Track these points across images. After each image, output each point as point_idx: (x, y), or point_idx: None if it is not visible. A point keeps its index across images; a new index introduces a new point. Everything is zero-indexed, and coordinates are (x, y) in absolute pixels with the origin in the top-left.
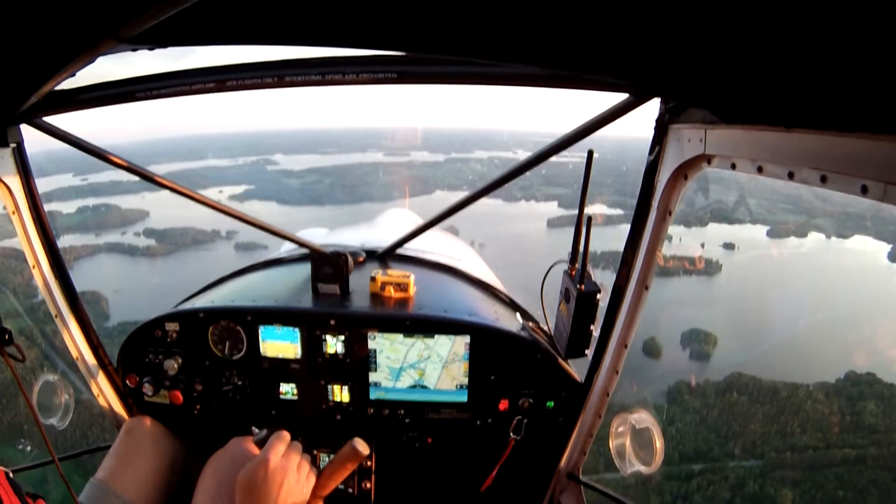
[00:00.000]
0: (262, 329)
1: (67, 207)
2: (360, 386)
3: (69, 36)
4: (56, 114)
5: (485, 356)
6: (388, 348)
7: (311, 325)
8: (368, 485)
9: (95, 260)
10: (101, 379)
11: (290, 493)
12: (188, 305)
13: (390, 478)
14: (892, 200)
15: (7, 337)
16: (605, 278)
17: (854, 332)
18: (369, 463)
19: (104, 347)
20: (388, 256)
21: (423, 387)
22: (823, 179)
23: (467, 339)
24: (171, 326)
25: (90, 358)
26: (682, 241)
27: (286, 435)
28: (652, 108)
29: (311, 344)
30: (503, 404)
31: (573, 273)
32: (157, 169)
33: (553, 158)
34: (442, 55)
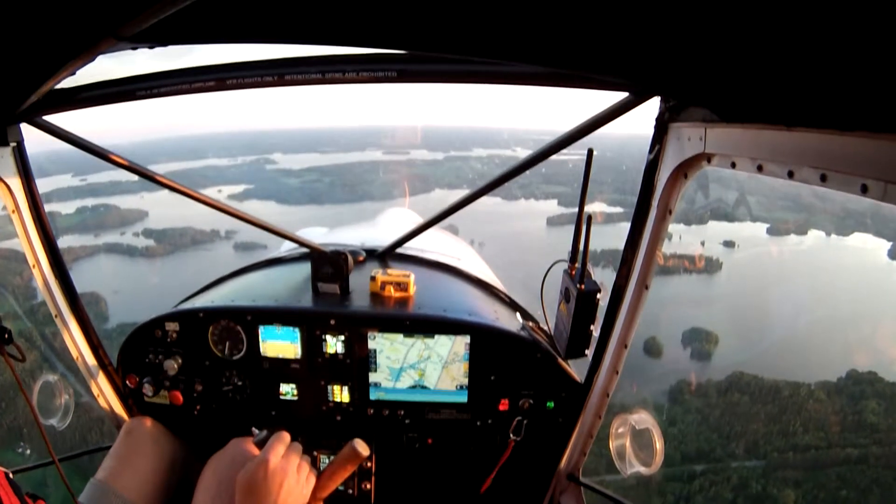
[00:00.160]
0: (262, 329)
1: (66, 208)
2: (360, 386)
3: (69, 35)
4: (56, 112)
5: (485, 356)
6: (388, 348)
7: (311, 324)
8: (368, 486)
9: (94, 261)
10: (101, 379)
11: (289, 493)
12: (188, 305)
13: (390, 478)
14: (892, 200)
15: (7, 336)
16: (605, 277)
17: (855, 330)
18: (369, 464)
19: (104, 348)
20: (388, 256)
21: (423, 387)
22: (823, 178)
23: (467, 339)
24: (171, 326)
25: (90, 358)
26: (682, 238)
27: (286, 436)
28: (652, 105)
29: (311, 344)
30: (503, 405)
31: (573, 272)
32: (157, 168)
33: (553, 156)
34: (442, 54)
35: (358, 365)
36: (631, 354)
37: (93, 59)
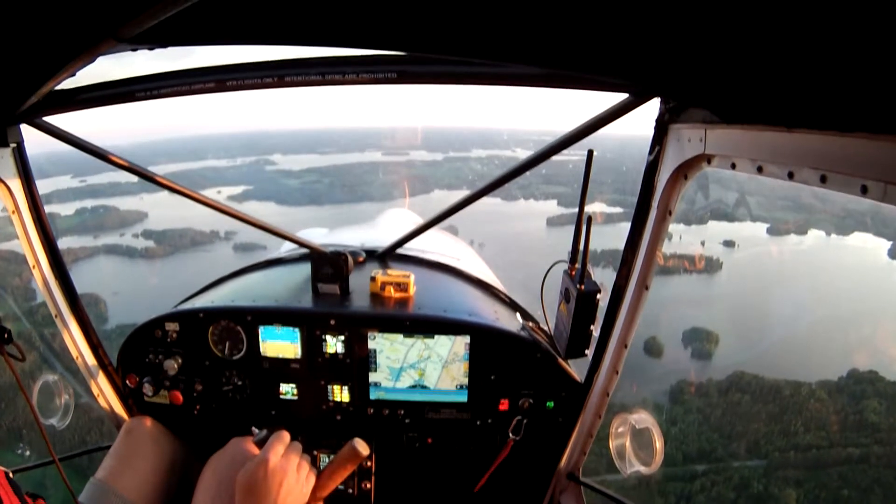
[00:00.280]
0: (262, 329)
1: (65, 209)
2: (360, 386)
3: (69, 36)
4: (56, 113)
5: (485, 356)
6: (388, 348)
7: (311, 325)
8: (368, 485)
9: (94, 262)
10: (101, 379)
11: (289, 493)
12: (188, 305)
13: (390, 478)
14: (892, 200)
15: (7, 336)
16: (605, 277)
17: (855, 329)
18: (369, 463)
19: (104, 348)
20: (388, 256)
21: (423, 387)
22: (823, 179)
23: (467, 339)
24: (171, 326)
25: (90, 358)
26: (682, 238)
27: (286, 435)
28: (652, 106)
29: (311, 344)
30: (503, 404)
31: (573, 273)
32: (157, 169)
33: (553, 157)
34: (442, 55)
35: (358, 365)
36: (631, 354)
37: (93, 61)
